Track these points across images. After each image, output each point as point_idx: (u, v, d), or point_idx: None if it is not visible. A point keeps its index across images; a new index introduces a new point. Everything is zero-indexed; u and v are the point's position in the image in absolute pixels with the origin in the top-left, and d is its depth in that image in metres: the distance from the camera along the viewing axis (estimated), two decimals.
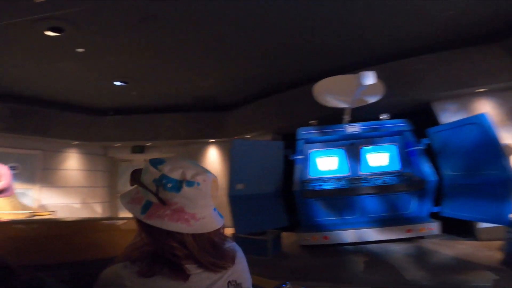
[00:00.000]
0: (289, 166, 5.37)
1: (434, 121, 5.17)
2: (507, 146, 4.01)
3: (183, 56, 4.89)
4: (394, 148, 5.45)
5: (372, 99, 4.87)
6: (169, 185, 0.76)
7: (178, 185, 0.76)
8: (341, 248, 4.79)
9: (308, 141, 5.47)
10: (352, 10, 3.84)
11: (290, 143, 5.45)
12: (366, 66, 4.82)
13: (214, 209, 0.84)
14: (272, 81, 6.15)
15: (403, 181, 4.97)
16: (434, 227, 4.67)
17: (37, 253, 1.17)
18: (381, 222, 4.90)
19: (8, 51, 4.38)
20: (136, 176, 0.85)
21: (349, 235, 4.80)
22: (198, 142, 7.76)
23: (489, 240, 4.38)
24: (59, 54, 4.57)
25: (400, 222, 4.85)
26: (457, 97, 5.06)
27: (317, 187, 5.11)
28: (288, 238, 5.41)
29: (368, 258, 4.32)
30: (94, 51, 4.50)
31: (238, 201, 4.57)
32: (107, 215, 7.80)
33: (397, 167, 5.34)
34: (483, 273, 3.47)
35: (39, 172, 6.70)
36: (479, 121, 3.99)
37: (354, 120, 5.19)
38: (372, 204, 5.17)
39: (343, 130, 5.26)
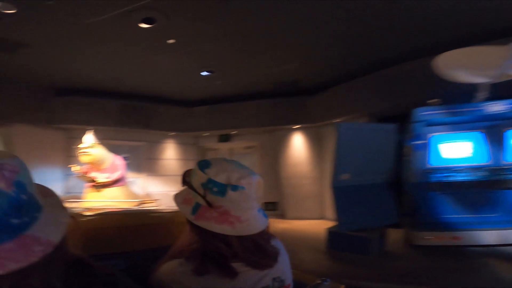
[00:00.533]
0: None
1: None
2: None
3: (267, 40, 4.60)
4: None
5: None
6: (215, 189, 0.77)
7: (223, 189, 0.77)
8: (465, 250, 4.09)
9: (430, 123, 4.37)
10: None
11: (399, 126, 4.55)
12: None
13: (259, 210, 0.86)
14: (365, 60, 5.34)
15: None
16: None
17: (92, 243, 1.19)
18: None
19: (111, 49, 4.79)
20: (186, 178, 0.88)
21: (489, 236, 3.82)
22: (282, 128, 7.32)
23: None
24: (153, 47, 4.75)
25: None
26: None
27: (444, 179, 4.06)
28: (392, 235, 4.53)
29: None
30: (183, 41, 4.56)
31: (343, 193, 4.04)
32: None
33: None
34: None
35: (145, 162, 7.41)
36: None
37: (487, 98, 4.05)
38: None
39: (480, 110, 4.08)
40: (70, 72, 5.71)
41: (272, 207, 7.56)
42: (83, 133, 7.06)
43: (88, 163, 5.53)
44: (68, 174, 6.73)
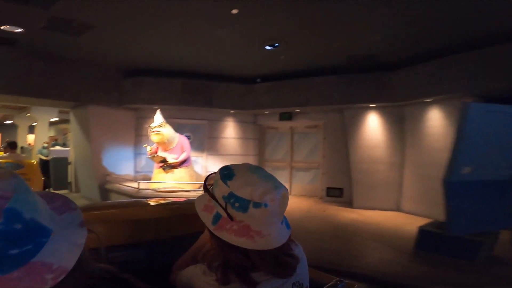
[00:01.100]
0: None
1: None
2: None
3: (340, 10, 3.84)
4: None
5: None
6: (237, 204, 0.73)
7: (245, 205, 0.72)
8: None
9: None
10: None
11: None
12: None
13: (282, 221, 0.80)
14: (471, 30, 4.20)
15: None
16: None
17: (114, 235, 1.18)
18: None
19: (175, 25, 4.43)
20: (208, 185, 0.84)
21: None
22: (354, 107, 6.45)
23: None
24: (215, 19, 4.28)
25: None
26: None
27: None
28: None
29: None
30: (247, 12, 4.05)
31: (461, 190, 3.31)
32: None
33: None
34: None
35: (206, 140, 7.31)
36: None
37: None
38: None
39: None
40: (136, 52, 5.60)
41: (337, 194, 6.97)
42: (151, 113, 7.21)
43: (158, 142, 5.56)
44: (138, 153, 6.97)
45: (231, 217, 0.74)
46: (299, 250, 0.87)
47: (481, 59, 4.58)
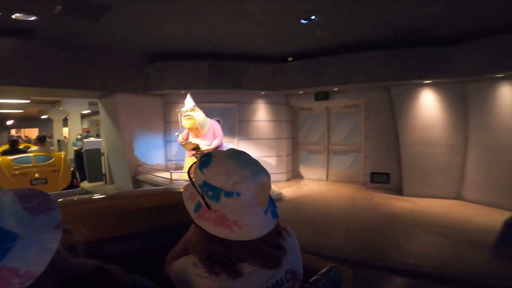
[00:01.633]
0: None
1: None
2: None
3: None
4: None
5: None
6: (210, 193, 0.70)
7: (217, 194, 0.68)
8: None
9: None
10: None
11: None
12: None
13: (266, 211, 0.74)
14: None
15: None
16: None
17: (113, 227, 1.15)
18: None
19: (198, 3, 3.86)
20: (191, 173, 0.79)
21: None
22: (404, 84, 5.56)
23: None
24: None
25: None
26: None
27: None
28: None
29: None
30: None
31: None
32: (288, 169, 7.34)
33: None
34: None
35: (236, 124, 6.78)
36: None
37: None
38: None
39: None
40: (159, 35, 5.07)
41: (383, 179, 6.21)
42: (178, 98, 6.79)
43: (189, 128, 5.10)
44: (168, 141, 6.62)
45: (208, 206, 0.71)
46: (291, 240, 0.82)
47: None
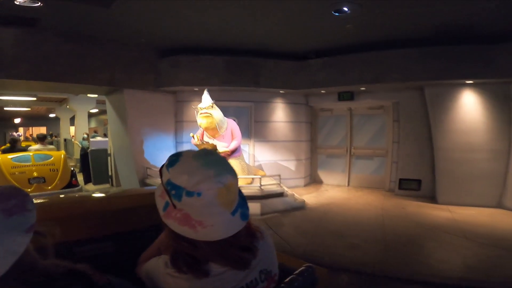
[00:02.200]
0: None
1: None
2: None
3: None
4: None
5: None
6: (173, 192, 0.68)
7: (179, 193, 0.67)
8: None
9: None
10: None
11: None
12: None
13: (235, 211, 0.70)
14: None
15: None
16: None
17: (86, 228, 1.14)
18: None
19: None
20: (161, 172, 0.77)
21: None
22: (441, 84, 4.96)
23: None
24: None
25: None
26: None
27: None
28: None
29: None
30: None
31: None
32: (307, 173, 6.72)
33: None
34: None
35: (253, 125, 6.19)
36: None
37: None
38: None
39: None
40: (172, 27, 4.54)
41: (413, 186, 5.57)
42: (191, 96, 6.21)
43: (206, 128, 4.53)
44: (179, 142, 6.04)
45: (174, 205, 0.68)
46: (265, 240, 0.79)
47: None
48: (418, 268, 2.84)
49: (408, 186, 5.56)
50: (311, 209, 4.87)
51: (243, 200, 0.75)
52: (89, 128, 13.16)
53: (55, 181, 4.67)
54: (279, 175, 4.85)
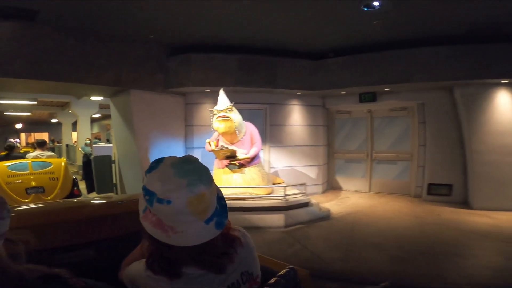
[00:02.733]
0: None
1: None
2: None
3: None
4: None
5: None
6: (147, 197, 0.68)
7: (151, 199, 0.66)
8: None
9: None
10: None
11: None
12: None
13: (209, 221, 0.68)
14: None
15: None
16: None
17: (66, 235, 1.12)
18: None
19: None
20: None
21: None
22: (473, 83, 4.47)
23: None
24: None
25: None
26: None
27: None
28: None
29: None
30: None
31: None
32: (324, 179, 6.18)
33: None
34: None
35: (268, 129, 5.65)
36: None
37: None
38: None
39: None
40: (182, 22, 4.09)
41: (443, 191, 5.04)
42: (201, 97, 5.59)
43: (223, 132, 3.98)
44: (190, 147, 5.49)
45: (149, 209, 0.69)
46: (246, 243, 0.78)
47: None
48: (479, 279, 2.42)
49: (438, 191, 5.04)
50: (337, 219, 4.33)
51: (222, 209, 0.72)
52: (92, 133, 12.59)
53: (55, 191, 4.13)
54: (305, 183, 4.30)
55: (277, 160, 5.64)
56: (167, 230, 0.66)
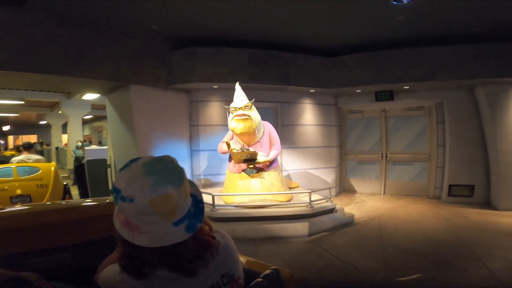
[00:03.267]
0: None
1: None
2: None
3: None
4: None
5: None
6: (114, 194, 0.65)
7: (116, 197, 0.64)
8: None
9: None
10: None
11: None
12: None
13: (178, 223, 0.63)
14: None
15: None
16: None
17: (40, 239, 1.09)
18: None
19: None
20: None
21: None
22: (497, 82, 4.16)
23: None
24: None
25: None
26: None
27: None
28: None
29: None
30: None
31: None
32: (337, 182, 5.72)
33: None
34: None
35: (279, 129, 5.14)
36: None
37: None
38: None
39: None
40: (191, 13, 3.58)
41: (465, 193, 4.69)
42: (208, 95, 4.73)
43: (241, 133, 3.43)
44: (195, 150, 4.90)
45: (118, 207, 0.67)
46: (225, 245, 0.74)
47: None
48: None
49: (460, 192, 4.70)
50: (362, 224, 3.91)
51: (198, 212, 0.68)
52: (84, 136, 11.72)
53: (44, 199, 3.63)
54: (330, 188, 3.83)
55: (289, 162, 5.14)
56: (133, 229, 0.62)
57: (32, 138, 17.70)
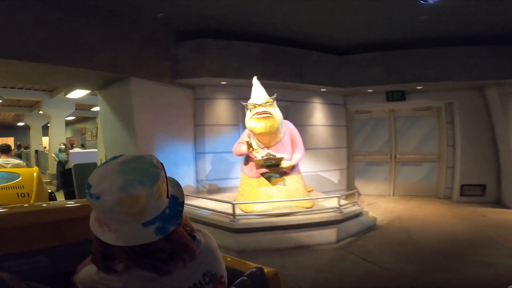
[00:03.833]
0: None
1: None
2: None
3: None
4: None
5: None
6: (86, 190, 0.62)
7: (87, 193, 0.62)
8: None
9: None
10: None
11: None
12: None
13: (148, 224, 0.60)
14: None
15: None
16: None
17: (15, 243, 1.03)
18: None
19: None
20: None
21: None
22: (508, 83, 4.06)
23: None
24: None
25: None
26: None
27: None
28: None
29: None
30: None
31: None
32: (342, 184, 5.41)
33: None
34: None
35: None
36: None
37: None
38: None
39: None
40: (201, 4, 3.11)
41: (477, 192, 4.55)
42: (215, 92, 4.05)
43: (262, 133, 2.99)
44: (201, 152, 4.37)
45: None
46: (206, 244, 0.72)
47: None
48: None
49: (472, 192, 4.56)
50: (385, 227, 3.62)
51: (174, 214, 0.64)
52: (67, 138, 10.66)
53: None
54: (357, 191, 3.47)
55: (300, 165, 4.73)
56: (102, 226, 0.61)
57: (9, 141, 16.08)
